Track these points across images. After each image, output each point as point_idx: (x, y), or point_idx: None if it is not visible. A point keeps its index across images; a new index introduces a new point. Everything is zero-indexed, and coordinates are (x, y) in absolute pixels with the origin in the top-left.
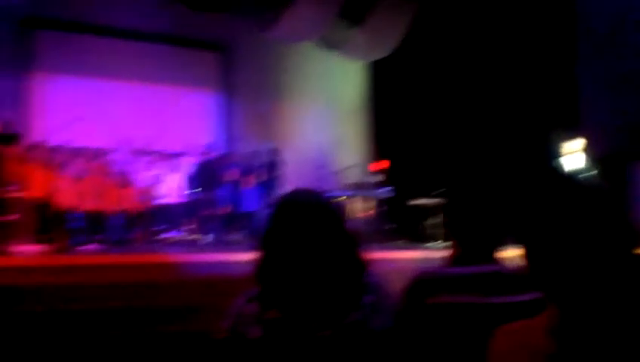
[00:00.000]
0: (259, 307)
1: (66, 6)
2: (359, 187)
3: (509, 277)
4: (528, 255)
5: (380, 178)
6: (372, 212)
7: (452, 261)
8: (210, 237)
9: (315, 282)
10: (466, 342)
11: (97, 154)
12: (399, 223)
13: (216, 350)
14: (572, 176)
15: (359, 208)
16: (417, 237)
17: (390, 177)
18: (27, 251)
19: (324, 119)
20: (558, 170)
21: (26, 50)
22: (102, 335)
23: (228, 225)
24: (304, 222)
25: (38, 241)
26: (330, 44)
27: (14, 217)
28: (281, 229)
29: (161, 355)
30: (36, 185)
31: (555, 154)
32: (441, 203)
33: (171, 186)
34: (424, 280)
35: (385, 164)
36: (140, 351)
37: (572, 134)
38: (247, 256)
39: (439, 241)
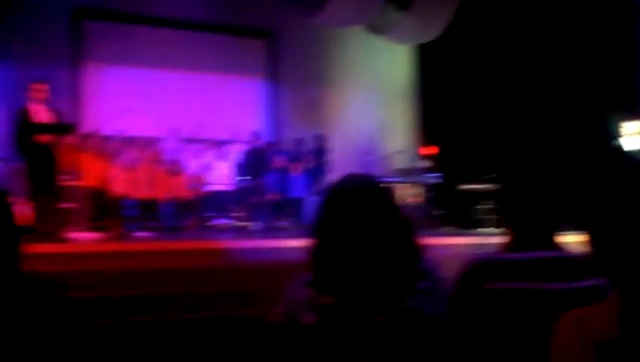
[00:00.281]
0: (313, 292)
1: None
2: (407, 173)
3: (568, 262)
4: (592, 240)
5: (428, 163)
6: (420, 198)
7: (508, 247)
8: (259, 224)
9: (370, 267)
10: (524, 329)
11: (149, 142)
12: (448, 209)
13: (271, 335)
14: (634, 158)
15: (407, 194)
16: (467, 223)
17: (439, 162)
18: (83, 238)
19: (371, 104)
20: (619, 152)
21: (79, 42)
22: (156, 321)
23: (276, 211)
24: (359, 207)
25: (93, 229)
26: (377, 28)
27: (70, 205)
28: (335, 214)
29: (215, 340)
30: (90, 173)
31: (614, 136)
32: (492, 188)
33: (221, 174)
34: (479, 266)
35: (433, 148)
36: (194, 336)
37: (630, 116)
38: (296, 243)
39: (490, 227)
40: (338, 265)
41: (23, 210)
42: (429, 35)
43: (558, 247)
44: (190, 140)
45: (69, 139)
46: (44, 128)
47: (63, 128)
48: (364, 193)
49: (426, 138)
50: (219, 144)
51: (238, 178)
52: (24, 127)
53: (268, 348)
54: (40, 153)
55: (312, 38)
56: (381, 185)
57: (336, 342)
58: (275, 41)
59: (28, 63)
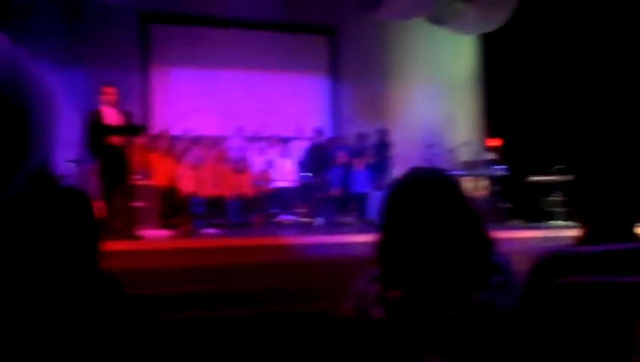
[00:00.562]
0: (381, 287)
1: (181, 1)
2: (472, 165)
3: None
4: None
5: (493, 155)
6: (486, 191)
7: (581, 240)
8: (322, 220)
9: (440, 261)
10: (600, 324)
11: (215, 141)
12: (515, 202)
13: (340, 330)
14: None
15: (473, 187)
16: (536, 216)
17: (504, 154)
18: (153, 236)
19: (434, 97)
20: None
21: (146, 45)
22: (223, 317)
23: (339, 207)
24: (426, 201)
25: (163, 226)
26: (440, 19)
27: (141, 204)
28: (402, 209)
29: (282, 336)
30: (159, 173)
31: None
32: (562, 179)
33: (284, 170)
34: (552, 259)
35: (498, 140)
36: (261, 332)
37: None
38: (360, 238)
39: (561, 220)
40: (406, 260)
41: (95, 210)
42: (493, 24)
43: (636, 239)
44: (254, 138)
45: (139, 140)
46: (115, 130)
47: (133, 129)
48: (431, 186)
49: (491, 129)
50: (282, 141)
51: (302, 174)
52: (96, 129)
53: (337, 342)
54: (111, 154)
55: (372, 33)
56: (448, 177)
57: (405, 336)
58: (336, 37)
59: (98, 67)
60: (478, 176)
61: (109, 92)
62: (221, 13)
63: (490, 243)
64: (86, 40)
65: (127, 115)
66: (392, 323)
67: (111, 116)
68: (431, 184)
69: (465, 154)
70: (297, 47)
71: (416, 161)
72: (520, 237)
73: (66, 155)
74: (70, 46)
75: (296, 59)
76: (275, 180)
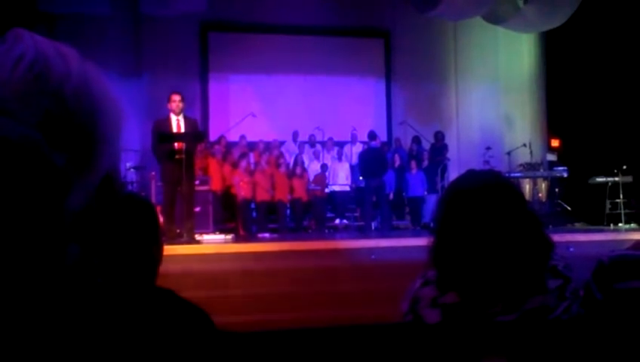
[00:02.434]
0: (436, 290)
1: (237, 9)
2: (532, 167)
3: None
4: None
5: (553, 157)
6: (546, 193)
7: None
8: (377, 224)
9: (497, 265)
10: None
11: (270, 147)
12: (576, 204)
13: (395, 334)
14: None
15: (532, 189)
16: (597, 219)
17: (565, 155)
18: (210, 240)
19: (492, 97)
20: None
21: (205, 53)
22: (279, 319)
23: (394, 211)
24: (484, 204)
25: (220, 230)
26: (497, 17)
27: (198, 208)
28: (458, 212)
29: (337, 341)
30: (216, 178)
31: None
32: (625, 181)
33: (339, 174)
34: (614, 263)
35: (559, 141)
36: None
37: None
38: (415, 241)
39: (623, 223)
40: (462, 263)
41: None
42: (554, 22)
43: None
44: (309, 143)
45: (199, 147)
46: (177, 137)
47: (194, 136)
48: (488, 189)
49: (551, 130)
50: (337, 145)
51: (357, 178)
52: (160, 137)
53: (391, 347)
54: (175, 160)
55: (427, 33)
56: (504, 179)
57: (461, 341)
58: (390, 39)
59: (160, 76)
60: (537, 178)
61: (175, 99)
62: (276, 21)
63: (550, 247)
64: (147, 50)
65: (192, 122)
66: (447, 327)
67: (176, 123)
68: (488, 187)
69: (524, 156)
70: (351, 51)
71: (474, 164)
72: (581, 240)
73: (129, 162)
74: (133, 56)
75: (350, 63)
76: (330, 184)
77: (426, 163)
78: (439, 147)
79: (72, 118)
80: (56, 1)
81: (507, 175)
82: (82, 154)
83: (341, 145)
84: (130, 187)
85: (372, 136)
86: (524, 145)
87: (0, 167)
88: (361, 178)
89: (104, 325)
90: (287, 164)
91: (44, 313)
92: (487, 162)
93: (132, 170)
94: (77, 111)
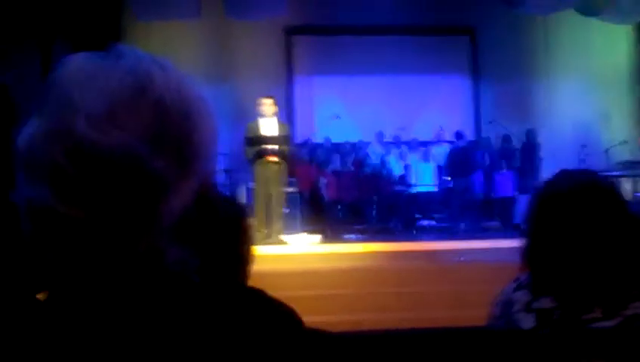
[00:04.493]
0: (530, 295)
1: (320, 12)
2: (631, 166)
3: None
4: None
5: None
6: None
7: None
8: (465, 225)
9: (595, 269)
10: None
11: (355, 148)
12: None
13: (486, 339)
14: None
15: (632, 189)
16: None
17: None
18: (298, 241)
19: (586, 93)
20: None
21: (288, 56)
22: (365, 320)
23: (483, 212)
24: (580, 205)
25: (307, 232)
26: (591, 9)
27: (286, 210)
28: (553, 214)
29: (423, 345)
30: (303, 180)
31: None
32: None
33: (425, 175)
34: None
35: None
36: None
37: None
38: (506, 243)
39: None
40: (558, 267)
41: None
42: None
43: None
44: (394, 143)
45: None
46: (265, 140)
47: (283, 139)
48: (584, 189)
49: None
50: (423, 145)
51: (443, 179)
52: (250, 140)
53: (482, 353)
54: (264, 163)
55: (515, 28)
56: (602, 179)
57: (557, 348)
58: (477, 35)
59: (246, 80)
60: (637, 177)
61: (266, 103)
62: (359, 22)
63: None
64: (234, 55)
65: (283, 125)
66: (543, 333)
67: (268, 126)
68: (584, 188)
69: (622, 154)
70: (436, 49)
71: (568, 163)
72: None
73: (218, 165)
74: (220, 61)
75: (435, 61)
76: (416, 185)
77: (516, 162)
78: (531, 146)
79: (171, 126)
80: (151, 11)
81: (605, 174)
82: (181, 160)
83: (426, 145)
84: (220, 189)
85: (459, 135)
86: (625, 141)
87: (104, 171)
88: (448, 178)
89: (199, 322)
90: (373, 165)
91: (143, 310)
92: (583, 161)
93: (222, 172)
94: (176, 119)
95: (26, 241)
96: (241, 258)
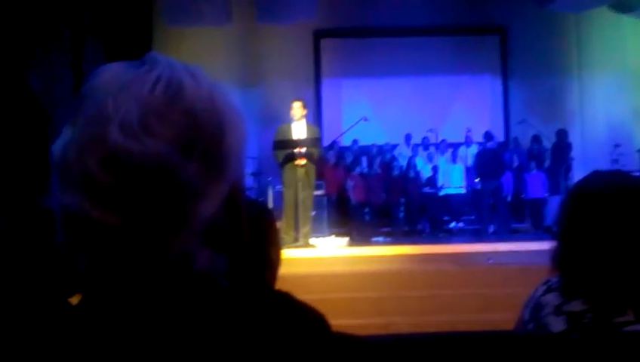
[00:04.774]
0: (561, 297)
1: (347, 14)
2: None
3: None
4: None
5: None
6: None
7: None
8: (496, 227)
9: (628, 272)
10: None
11: (382, 150)
12: None
13: (516, 343)
14: None
15: None
16: None
17: None
18: (326, 244)
19: (620, 91)
20: None
21: (317, 58)
22: (392, 323)
23: (513, 213)
24: (613, 207)
25: (335, 234)
26: (624, 6)
27: (314, 213)
28: (585, 216)
29: (454, 346)
30: (330, 182)
31: None
32: None
33: (455, 176)
34: None
35: None
36: (434, 341)
37: None
38: (536, 245)
39: None
40: (590, 270)
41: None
42: None
43: None
44: (423, 144)
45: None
46: (295, 143)
47: (311, 142)
48: (616, 192)
49: None
50: (452, 146)
51: (473, 180)
52: (278, 143)
53: (512, 357)
54: (293, 166)
55: (546, 26)
56: (635, 181)
57: (589, 351)
58: (508, 35)
59: (276, 84)
60: None
61: (294, 106)
62: (387, 23)
63: None
64: (263, 60)
65: (312, 128)
66: (573, 336)
67: (297, 130)
68: (617, 189)
69: None
70: (466, 49)
71: (601, 163)
72: None
73: (248, 168)
74: (250, 65)
75: (465, 62)
76: (445, 187)
77: (547, 163)
78: (562, 146)
79: (202, 132)
80: (183, 18)
81: (638, 174)
82: (212, 165)
83: (455, 146)
84: (248, 193)
85: (488, 136)
86: None
87: (136, 178)
88: (477, 180)
89: (227, 326)
90: (401, 167)
91: (172, 315)
92: (616, 161)
93: (250, 176)
94: (207, 125)
95: (59, 247)
96: (270, 261)
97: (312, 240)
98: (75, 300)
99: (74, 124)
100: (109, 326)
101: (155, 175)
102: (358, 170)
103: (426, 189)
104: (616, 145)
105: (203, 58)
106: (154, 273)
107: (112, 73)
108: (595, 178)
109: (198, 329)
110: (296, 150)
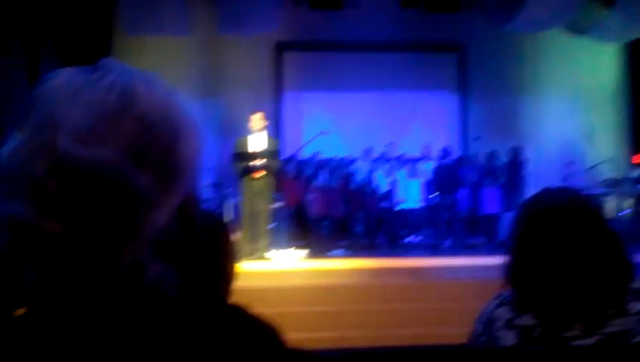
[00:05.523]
0: (512, 311)
1: (310, 28)
2: (615, 184)
3: None
4: None
5: (639, 172)
6: (631, 211)
7: None
8: (451, 242)
9: (576, 286)
10: None
11: (342, 163)
12: None
13: (468, 356)
14: None
15: (616, 207)
16: None
17: None
18: (283, 256)
19: (572, 111)
20: None
21: (279, 71)
22: (349, 337)
23: (469, 228)
24: (562, 223)
25: (293, 247)
26: (578, 28)
27: (272, 225)
28: (535, 231)
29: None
30: (289, 195)
31: None
32: None
33: (412, 191)
34: None
35: None
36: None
37: None
38: (490, 260)
39: None
40: (540, 284)
41: (231, 232)
42: (639, 31)
43: None
44: (381, 159)
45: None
46: (253, 156)
47: (269, 154)
48: (566, 209)
49: (636, 145)
50: (409, 162)
51: (430, 195)
52: (237, 155)
53: None
54: (252, 178)
55: (503, 46)
56: (586, 198)
57: None
58: (464, 52)
59: (236, 96)
60: (621, 195)
61: (254, 118)
62: (348, 38)
63: (631, 268)
64: (222, 71)
65: (271, 140)
66: (523, 350)
67: (256, 142)
68: (566, 206)
69: (608, 172)
70: (426, 66)
71: (553, 180)
72: None
73: (205, 180)
74: (211, 76)
75: (423, 78)
76: (402, 201)
77: (502, 179)
78: (517, 163)
79: (155, 140)
80: (142, 26)
81: (589, 191)
82: (165, 175)
83: (414, 161)
84: (206, 204)
85: (445, 152)
86: (608, 160)
87: (85, 187)
88: (433, 195)
89: (175, 339)
90: (360, 181)
91: (119, 326)
92: (568, 178)
93: (209, 187)
94: (160, 134)
95: (3, 257)
96: (224, 274)
97: (270, 253)
98: (20, 312)
99: (23, 130)
100: (52, 339)
101: (105, 183)
102: (317, 183)
103: (385, 203)
104: (571, 162)
105: (164, 67)
106: (101, 284)
107: (64, 78)
108: (546, 195)
109: (145, 342)
110: (255, 162)
